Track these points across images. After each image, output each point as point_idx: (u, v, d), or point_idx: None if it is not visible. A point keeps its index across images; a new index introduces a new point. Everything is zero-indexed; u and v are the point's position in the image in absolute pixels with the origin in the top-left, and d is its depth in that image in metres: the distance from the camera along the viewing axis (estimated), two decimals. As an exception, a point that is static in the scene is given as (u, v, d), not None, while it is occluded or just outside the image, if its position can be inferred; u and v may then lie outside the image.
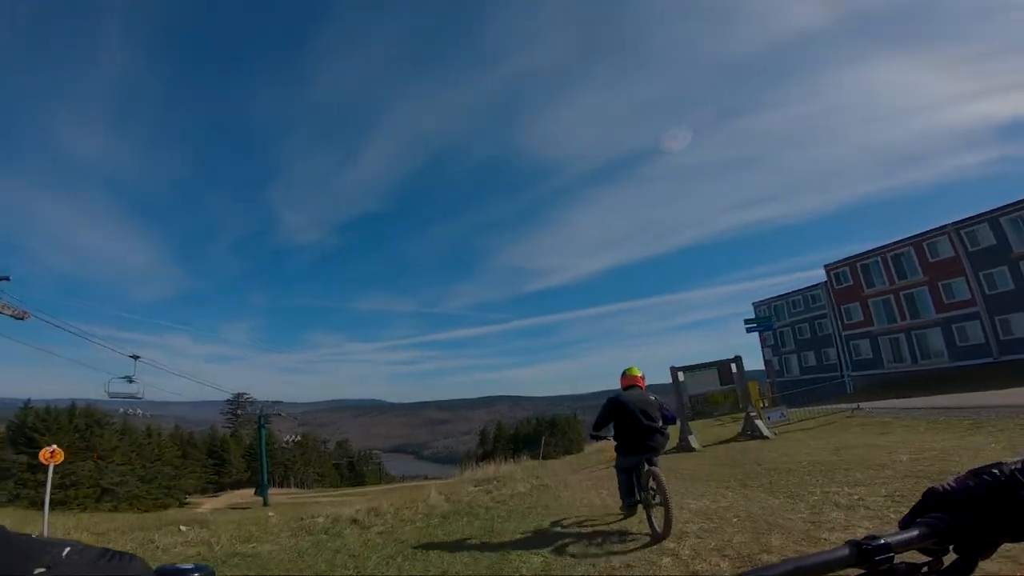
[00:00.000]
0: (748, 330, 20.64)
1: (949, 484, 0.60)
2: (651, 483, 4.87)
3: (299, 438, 74.06)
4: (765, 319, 24.12)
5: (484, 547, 5.54)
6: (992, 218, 31.16)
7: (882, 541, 0.54)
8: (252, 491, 48.75)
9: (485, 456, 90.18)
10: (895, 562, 0.54)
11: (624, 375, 5.82)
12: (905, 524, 0.59)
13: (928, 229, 35.82)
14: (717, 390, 14.88)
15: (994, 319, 31.29)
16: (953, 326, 34.00)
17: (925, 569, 0.56)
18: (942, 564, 0.56)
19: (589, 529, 5.66)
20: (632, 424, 5.19)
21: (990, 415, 10.78)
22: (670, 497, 4.64)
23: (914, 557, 0.58)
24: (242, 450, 64.77)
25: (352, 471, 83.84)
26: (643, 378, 5.75)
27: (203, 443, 65.27)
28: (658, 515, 4.77)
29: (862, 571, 0.55)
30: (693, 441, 14.01)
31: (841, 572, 0.53)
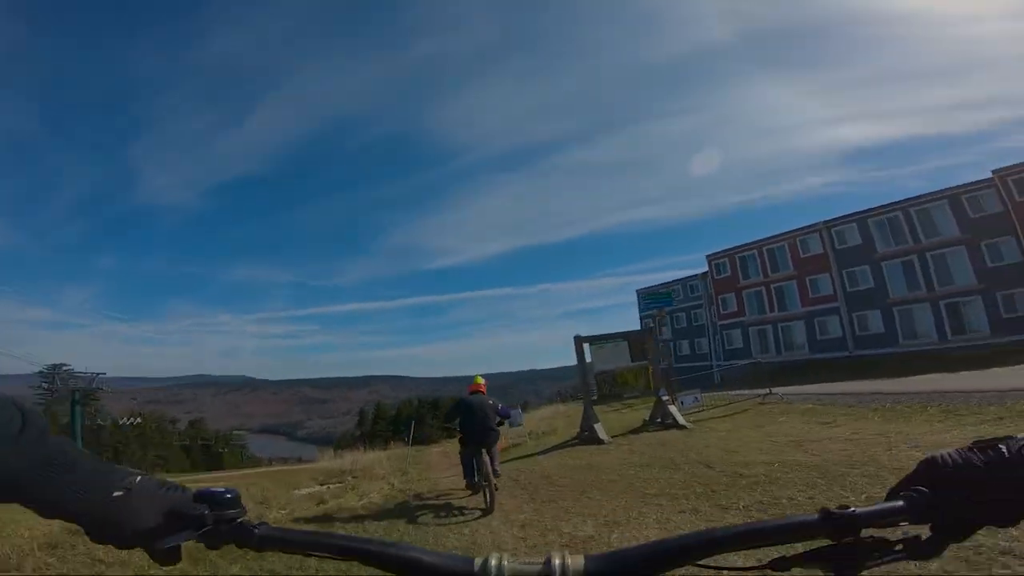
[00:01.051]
0: (646, 305, 18.83)
1: (950, 454, 0.52)
2: (486, 463, 6.10)
3: (139, 419, 62.44)
4: (665, 295, 22.84)
5: None
6: (860, 219, 33.37)
7: (852, 510, 0.50)
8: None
9: (363, 438, 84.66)
10: (863, 535, 0.50)
11: (472, 383, 7.38)
12: (892, 494, 0.54)
13: (802, 226, 37.80)
14: (628, 368, 12.53)
15: (852, 315, 33.72)
16: (816, 320, 36.22)
17: (899, 547, 0.51)
18: (918, 541, 0.51)
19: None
20: (471, 423, 6.52)
21: (955, 400, 9.49)
22: (492, 480, 6.05)
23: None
24: (55, 431, 52.97)
25: (207, 453, 73.45)
26: (485, 385, 7.31)
27: None
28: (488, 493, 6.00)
29: (829, 542, 0.51)
30: (600, 431, 11.50)
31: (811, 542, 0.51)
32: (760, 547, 0.52)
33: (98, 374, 63.25)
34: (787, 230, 38.82)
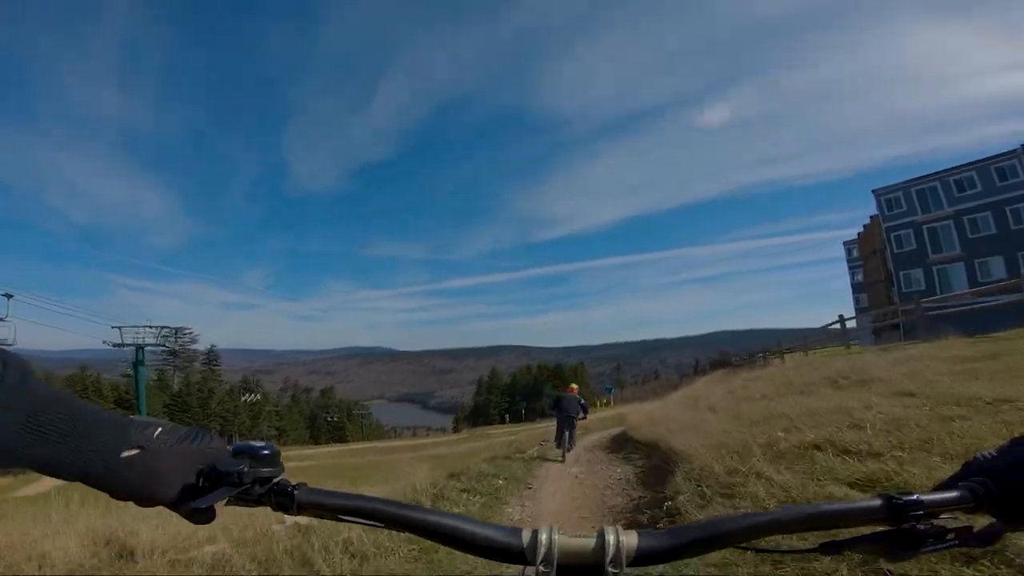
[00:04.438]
0: None
1: (990, 453, 0.55)
2: (567, 438, 9.75)
3: (257, 396, 60.63)
4: None
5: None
6: None
7: (915, 497, 0.50)
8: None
9: (476, 411, 77.64)
10: (921, 524, 0.50)
11: (567, 387, 12.00)
12: (943, 488, 0.53)
13: None
14: None
15: None
16: None
17: (951, 535, 0.50)
18: (970, 530, 0.51)
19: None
20: (562, 412, 10.07)
21: None
22: (567, 447, 9.71)
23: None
24: (166, 397, 51.67)
25: (331, 425, 71.86)
26: (575, 388, 11.58)
27: (113, 390, 51.81)
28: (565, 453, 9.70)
29: (887, 527, 0.51)
30: None
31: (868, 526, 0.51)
32: (817, 530, 0.51)
33: (183, 330, 62.60)
34: None
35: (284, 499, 0.51)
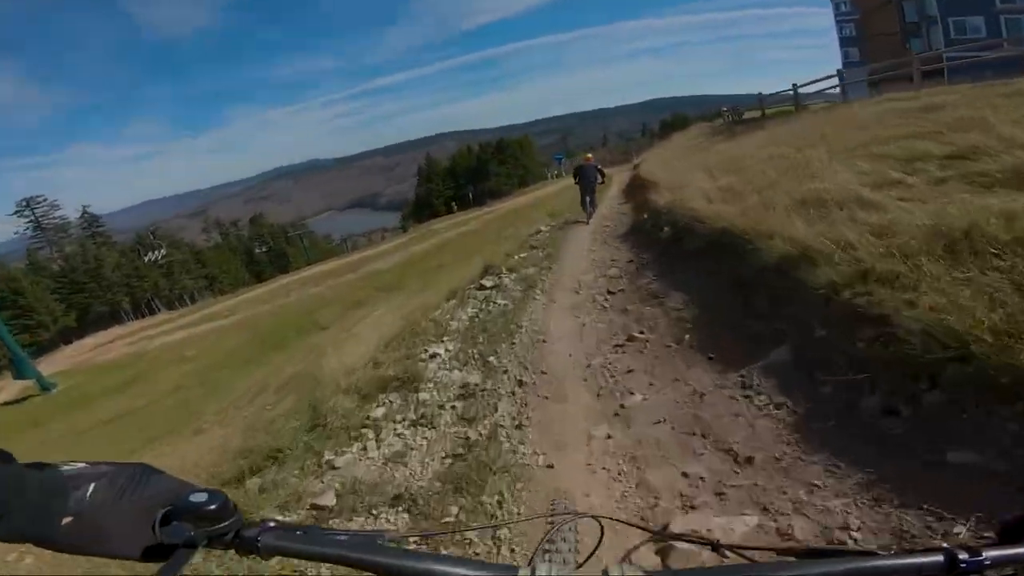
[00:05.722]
0: None
1: None
2: (588, 203, 11.16)
3: (161, 251, 51.40)
4: None
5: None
6: None
7: (983, 556, 0.40)
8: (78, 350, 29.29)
9: (419, 203, 71.11)
10: None
11: (583, 157, 12.59)
12: (1008, 530, 0.43)
13: None
14: None
15: None
16: None
17: None
18: None
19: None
20: (583, 179, 11.13)
21: None
22: (590, 209, 11.15)
23: None
24: (50, 281, 43.14)
25: (272, 254, 65.01)
26: (591, 157, 12.10)
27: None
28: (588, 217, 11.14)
29: None
30: None
31: None
32: None
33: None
34: None
35: (249, 549, 0.46)
